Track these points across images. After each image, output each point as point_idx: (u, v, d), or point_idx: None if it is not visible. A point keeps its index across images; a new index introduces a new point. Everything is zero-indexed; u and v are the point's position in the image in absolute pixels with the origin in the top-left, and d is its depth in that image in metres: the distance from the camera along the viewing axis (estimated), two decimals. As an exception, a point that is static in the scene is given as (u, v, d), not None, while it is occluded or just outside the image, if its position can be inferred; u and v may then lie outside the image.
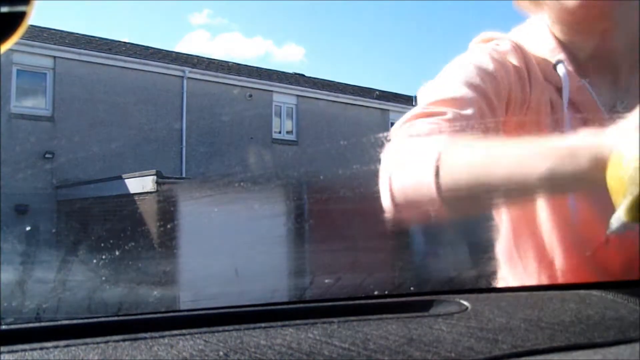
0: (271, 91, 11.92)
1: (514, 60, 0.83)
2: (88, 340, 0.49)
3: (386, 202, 0.70)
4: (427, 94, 0.79)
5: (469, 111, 0.74)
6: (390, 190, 0.69)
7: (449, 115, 0.73)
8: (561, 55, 0.84)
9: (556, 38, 0.86)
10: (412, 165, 0.69)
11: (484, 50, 0.84)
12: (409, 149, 0.72)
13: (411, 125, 0.74)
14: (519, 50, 0.84)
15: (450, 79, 0.79)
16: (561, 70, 0.83)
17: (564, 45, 0.85)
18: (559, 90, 0.83)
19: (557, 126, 0.82)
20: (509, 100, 0.81)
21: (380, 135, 0.73)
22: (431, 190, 0.64)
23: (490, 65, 0.80)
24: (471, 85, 0.77)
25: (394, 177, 0.69)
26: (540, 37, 0.87)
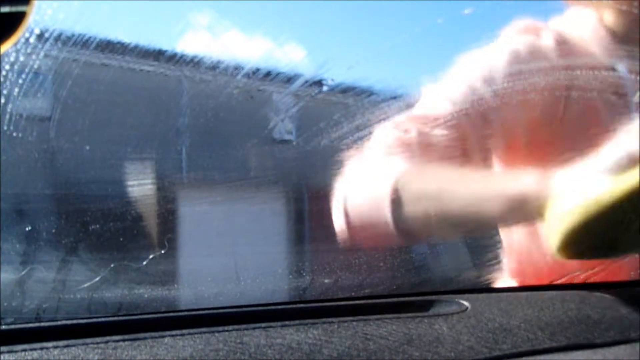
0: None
1: (557, 56, 0.75)
2: (88, 340, 0.49)
3: (338, 220, 0.70)
4: (424, 100, 0.77)
5: (443, 132, 0.71)
6: (345, 209, 0.69)
7: (421, 134, 0.70)
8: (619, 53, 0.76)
9: (611, 31, 0.77)
10: (367, 190, 0.68)
11: (518, 44, 0.76)
12: (368, 168, 0.71)
13: (383, 134, 0.72)
14: (565, 44, 0.77)
15: (447, 89, 0.75)
16: (622, 70, 0.75)
17: (621, 41, 0.77)
18: (617, 92, 0.76)
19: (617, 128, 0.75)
20: (549, 99, 0.74)
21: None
22: (387, 221, 0.65)
23: (519, 64, 0.74)
24: (467, 95, 0.73)
25: (349, 197, 0.69)
26: (591, 29, 0.78)
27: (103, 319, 0.56)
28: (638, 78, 0.77)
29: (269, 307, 0.62)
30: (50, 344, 0.48)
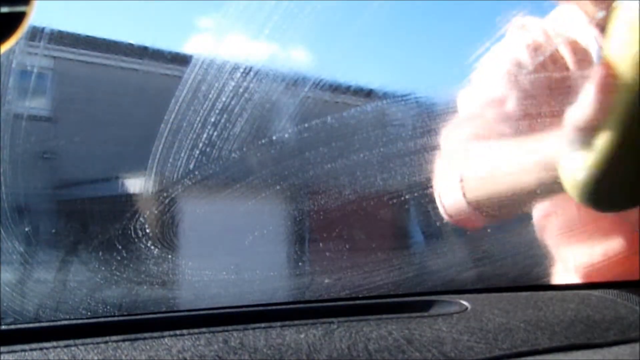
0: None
1: (549, 48, 0.84)
2: (88, 340, 0.49)
3: (442, 214, 0.84)
4: (469, 96, 0.85)
5: (500, 109, 0.81)
6: (442, 205, 0.84)
7: (486, 118, 0.80)
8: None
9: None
10: (446, 186, 0.82)
11: (520, 40, 0.86)
12: (444, 167, 0.85)
13: (451, 135, 0.85)
14: (555, 37, 0.85)
15: (488, 78, 0.86)
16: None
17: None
18: None
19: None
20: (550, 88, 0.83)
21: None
22: (465, 207, 0.79)
23: (526, 57, 0.83)
24: (507, 81, 0.82)
25: (442, 195, 0.83)
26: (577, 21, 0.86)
27: (103, 319, 0.56)
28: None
29: (269, 307, 0.62)
30: (50, 344, 0.48)
